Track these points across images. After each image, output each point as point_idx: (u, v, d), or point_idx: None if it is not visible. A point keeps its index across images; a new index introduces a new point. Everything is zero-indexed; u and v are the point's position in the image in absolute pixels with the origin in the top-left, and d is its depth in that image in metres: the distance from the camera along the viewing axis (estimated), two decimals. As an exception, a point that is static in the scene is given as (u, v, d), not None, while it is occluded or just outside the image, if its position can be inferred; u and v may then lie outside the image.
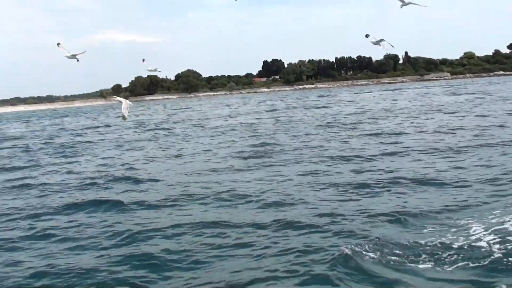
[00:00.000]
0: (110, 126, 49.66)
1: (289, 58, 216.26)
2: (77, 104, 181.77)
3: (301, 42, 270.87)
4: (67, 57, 16.32)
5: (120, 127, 45.85)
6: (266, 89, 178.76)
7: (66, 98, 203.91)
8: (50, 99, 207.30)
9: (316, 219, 11.35)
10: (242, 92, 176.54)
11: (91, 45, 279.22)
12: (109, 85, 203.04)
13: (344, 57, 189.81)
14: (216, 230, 11.10)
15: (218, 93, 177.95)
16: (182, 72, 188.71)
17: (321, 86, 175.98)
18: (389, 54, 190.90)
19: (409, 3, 13.58)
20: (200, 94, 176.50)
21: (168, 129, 40.35)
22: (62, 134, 43.40)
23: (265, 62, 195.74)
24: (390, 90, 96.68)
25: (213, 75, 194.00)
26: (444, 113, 36.75)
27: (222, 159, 21.47)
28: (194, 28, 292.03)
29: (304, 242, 10.01)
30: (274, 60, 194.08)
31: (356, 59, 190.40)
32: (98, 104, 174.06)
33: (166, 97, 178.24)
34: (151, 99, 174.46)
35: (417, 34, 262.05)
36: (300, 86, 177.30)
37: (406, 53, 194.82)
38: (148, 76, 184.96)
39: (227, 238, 10.62)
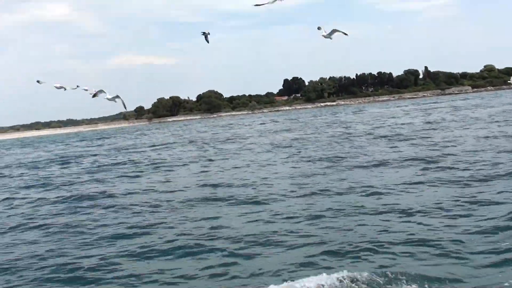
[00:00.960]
0: (172, 143, 50.54)
1: (309, 75, 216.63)
2: (101, 127, 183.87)
3: (320, 59, 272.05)
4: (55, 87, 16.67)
5: (184, 144, 46.47)
6: (287, 107, 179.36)
7: (89, 122, 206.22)
8: (73, 122, 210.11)
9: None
10: (264, 111, 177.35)
11: (109, 69, 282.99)
12: (130, 108, 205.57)
13: (364, 73, 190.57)
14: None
15: (240, 112, 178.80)
16: (203, 93, 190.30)
17: (342, 103, 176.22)
18: (409, 69, 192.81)
19: (333, 32, 13.14)
20: (223, 114, 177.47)
21: (240, 145, 40.47)
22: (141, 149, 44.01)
23: (285, 81, 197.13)
24: (422, 104, 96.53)
25: (234, 94, 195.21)
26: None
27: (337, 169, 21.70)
28: (211, 49, 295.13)
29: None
30: (295, 78, 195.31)
31: (376, 75, 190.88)
32: (122, 126, 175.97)
33: (188, 118, 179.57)
34: (174, 120, 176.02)
35: (436, 48, 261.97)
36: (322, 104, 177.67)
37: (426, 67, 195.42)
38: (170, 97, 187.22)
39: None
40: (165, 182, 22.66)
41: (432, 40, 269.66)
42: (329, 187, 17.24)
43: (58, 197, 20.85)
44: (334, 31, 13.14)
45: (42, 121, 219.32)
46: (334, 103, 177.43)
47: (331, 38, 13.31)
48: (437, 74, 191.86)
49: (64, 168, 34.46)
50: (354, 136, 36.81)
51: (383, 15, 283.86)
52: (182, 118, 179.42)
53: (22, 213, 18.15)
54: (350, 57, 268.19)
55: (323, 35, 13.27)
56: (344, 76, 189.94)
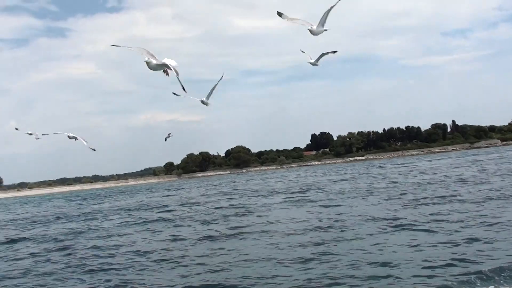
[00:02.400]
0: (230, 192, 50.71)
1: (335, 130, 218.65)
2: (131, 182, 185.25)
3: (346, 114, 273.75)
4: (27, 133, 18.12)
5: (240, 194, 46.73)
6: (316, 162, 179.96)
7: (118, 177, 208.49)
8: (99, 178, 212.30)
9: None
10: (293, 166, 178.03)
11: (134, 126, 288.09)
12: (156, 163, 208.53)
13: (393, 128, 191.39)
14: None
15: (269, 167, 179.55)
16: (232, 148, 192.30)
17: (371, 157, 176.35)
18: (437, 123, 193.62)
19: (321, 57, 12.70)
20: (252, 169, 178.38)
21: (304, 194, 40.71)
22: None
23: (313, 136, 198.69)
24: (462, 157, 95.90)
25: (262, 149, 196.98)
26: None
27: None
28: (235, 106, 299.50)
29: None
30: (323, 133, 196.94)
31: (404, 129, 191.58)
32: (152, 182, 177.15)
33: (218, 173, 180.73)
34: (203, 176, 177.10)
35: (461, 102, 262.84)
36: (351, 158, 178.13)
37: (453, 121, 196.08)
38: (200, 153, 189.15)
39: None
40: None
41: (457, 93, 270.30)
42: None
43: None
44: (322, 55, 12.80)
45: (68, 177, 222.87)
46: (363, 158, 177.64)
47: (317, 65, 13.07)
48: (465, 127, 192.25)
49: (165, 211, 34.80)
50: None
51: (406, 69, 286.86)
52: (212, 174, 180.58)
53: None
54: (377, 112, 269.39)
55: (310, 63, 12.97)
56: (373, 131, 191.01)
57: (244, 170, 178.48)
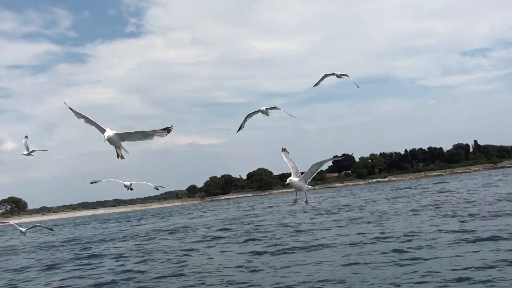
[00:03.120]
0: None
1: (357, 152, 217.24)
2: (154, 206, 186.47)
3: (365, 135, 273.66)
4: (24, 154, 17.95)
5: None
6: (339, 184, 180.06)
7: (142, 201, 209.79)
8: (125, 202, 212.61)
9: None
10: (316, 188, 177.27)
11: (154, 149, 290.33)
12: (175, 187, 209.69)
13: (415, 148, 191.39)
14: None
15: (292, 190, 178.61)
16: (254, 171, 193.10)
17: (394, 178, 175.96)
18: (459, 144, 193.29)
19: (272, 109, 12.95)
20: (275, 192, 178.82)
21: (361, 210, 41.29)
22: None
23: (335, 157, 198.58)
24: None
25: (283, 172, 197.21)
26: None
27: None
28: (254, 129, 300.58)
29: None
30: (345, 155, 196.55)
31: (427, 150, 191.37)
32: (176, 205, 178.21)
33: (241, 195, 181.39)
34: (226, 198, 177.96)
35: (483, 121, 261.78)
36: (373, 180, 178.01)
37: (475, 141, 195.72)
38: (222, 176, 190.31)
39: None
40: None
41: (478, 113, 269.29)
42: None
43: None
44: (273, 108, 13.05)
45: (89, 201, 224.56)
46: (385, 179, 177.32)
47: (268, 115, 13.24)
48: (487, 147, 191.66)
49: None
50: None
51: (426, 90, 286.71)
52: (234, 196, 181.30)
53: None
54: (398, 133, 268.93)
55: (261, 110, 13.15)
56: (395, 152, 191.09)
57: (266, 193, 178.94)
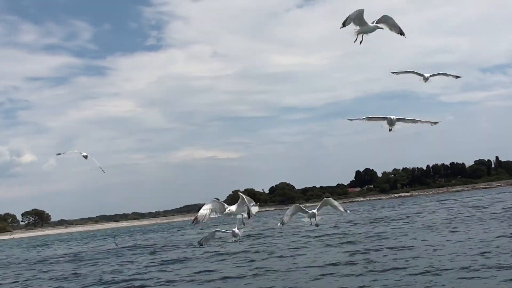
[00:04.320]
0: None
1: (378, 167, 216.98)
2: (177, 219, 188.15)
3: (386, 150, 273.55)
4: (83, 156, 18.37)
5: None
6: (362, 198, 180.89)
7: (161, 214, 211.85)
8: (143, 215, 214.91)
9: None
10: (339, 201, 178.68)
11: (173, 163, 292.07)
12: (193, 201, 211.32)
13: (437, 164, 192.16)
14: None
15: (315, 204, 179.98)
16: (276, 185, 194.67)
17: (416, 193, 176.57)
18: (481, 159, 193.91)
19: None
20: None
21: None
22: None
23: (357, 172, 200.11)
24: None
25: (304, 186, 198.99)
26: None
27: None
28: (274, 143, 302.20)
29: None
30: (367, 170, 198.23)
31: (449, 165, 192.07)
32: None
33: (264, 209, 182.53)
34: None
35: (504, 137, 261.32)
36: (396, 195, 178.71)
37: (497, 157, 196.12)
38: (245, 189, 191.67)
39: None
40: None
41: (498, 129, 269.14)
42: None
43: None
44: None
45: (107, 214, 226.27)
46: (408, 194, 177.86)
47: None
48: (508, 163, 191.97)
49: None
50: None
51: (445, 106, 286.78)
52: (257, 210, 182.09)
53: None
54: (419, 148, 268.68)
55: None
56: (417, 167, 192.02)
57: (289, 207, 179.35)
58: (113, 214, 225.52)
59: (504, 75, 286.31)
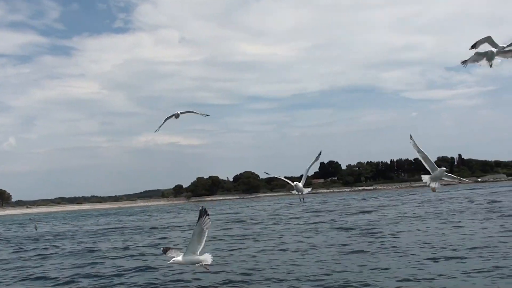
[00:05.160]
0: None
1: (342, 160, 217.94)
2: (140, 203, 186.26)
3: (349, 143, 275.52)
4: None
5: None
6: (325, 190, 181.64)
7: (117, 198, 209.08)
8: (103, 199, 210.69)
9: None
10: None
11: (135, 147, 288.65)
12: (153, 186, 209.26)
13: (401, 159, 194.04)
14: None
15: (278, 193, 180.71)
16: (241, 173, 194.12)
17: (380, 187, 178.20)
18: (443, 156, 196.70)
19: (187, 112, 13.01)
20: (261, 195, 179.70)
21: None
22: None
23: (322, 164, 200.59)
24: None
25: (271, 176, 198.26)
26: None
27: None
28: (237, 131, 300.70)
29: None
30: (331, 162, 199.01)
31: (413, 161, 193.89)
32: (161, 204, 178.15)
33: (227, 197, 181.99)
34: (213, 200, 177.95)
35: (466, 136, 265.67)
36: (359, 188, 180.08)
37: (459, 155, 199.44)
38: (209, 177, 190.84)
39: None
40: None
41: (461, 127, 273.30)
42: None
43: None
44: (189, 112, 13.32)
45: (67, 196, 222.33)
46: (371, 187, 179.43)
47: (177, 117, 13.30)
48: (470, 161, 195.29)
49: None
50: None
51: (409, 102, 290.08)
52: (221, 198, 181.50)
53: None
54: (382, 142, 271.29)
55: (174, 115, 13.40)
56: (382, 161, 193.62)
57: (253, 196, 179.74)
58: (72, 196, 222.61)
59: (469, 75, 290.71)
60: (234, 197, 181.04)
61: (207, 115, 13.96)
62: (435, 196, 64.00)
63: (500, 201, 52.04)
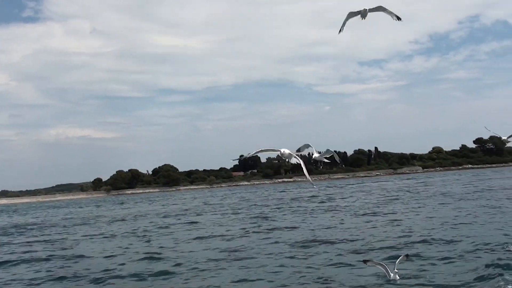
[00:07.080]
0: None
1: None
2: (59, 197, 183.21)
3: (264, 137, 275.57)
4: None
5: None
6: (246, 183, 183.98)
7: (47, 192, 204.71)
8: (15, 194, 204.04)
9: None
10: (223, 185, 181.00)
11: (45, 140, 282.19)
12: (88, 179, 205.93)
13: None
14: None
15: (199, 186, 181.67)
16: (160, 167, 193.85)
17: (299, 179, 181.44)
18: (360, 149, 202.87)
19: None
20: (182, 188, 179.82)
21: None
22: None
23: (241, 157, 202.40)
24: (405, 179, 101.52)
25: (187, 169, 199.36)
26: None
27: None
28: (150, 124, 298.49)
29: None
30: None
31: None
32: (81, 197, 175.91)
33: (147, 190, 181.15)
34: (132, 193, 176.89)
35: (382, 129, 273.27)
36: (279, 180, 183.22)
37: (376, 148, 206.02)
38: (129, 170, 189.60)
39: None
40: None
41: (375, 121, 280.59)
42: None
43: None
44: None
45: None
46: (291, 180, 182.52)
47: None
48: (386, 154, 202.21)
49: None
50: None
51: (322, 96, 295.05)
52: (141, 191, 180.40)
53: None
54: (299, 136, 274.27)
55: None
56: (300, 154, 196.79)
57: (173, 189, 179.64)
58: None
59: (381, 70, 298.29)
60: (155, 190, 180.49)
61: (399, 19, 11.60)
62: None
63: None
